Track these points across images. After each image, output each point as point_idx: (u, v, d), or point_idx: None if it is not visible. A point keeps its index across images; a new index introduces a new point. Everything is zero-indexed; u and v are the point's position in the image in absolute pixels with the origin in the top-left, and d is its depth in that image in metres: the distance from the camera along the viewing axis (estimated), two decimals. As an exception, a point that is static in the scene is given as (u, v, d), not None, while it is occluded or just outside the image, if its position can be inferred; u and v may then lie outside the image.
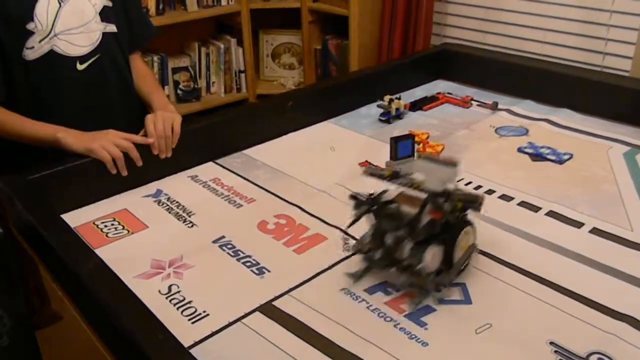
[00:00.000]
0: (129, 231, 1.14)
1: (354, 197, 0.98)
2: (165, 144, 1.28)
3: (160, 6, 2.52)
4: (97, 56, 1.35)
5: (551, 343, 0.85)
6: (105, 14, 1.34)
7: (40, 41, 1.26)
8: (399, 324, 0.89)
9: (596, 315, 0.90)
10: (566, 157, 1.37)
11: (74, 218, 1.16)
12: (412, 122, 1.61)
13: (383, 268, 0.96)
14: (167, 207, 1.22)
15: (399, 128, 1.56)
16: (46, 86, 1.31)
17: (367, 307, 0.92)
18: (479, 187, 1.27)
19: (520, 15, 2.21)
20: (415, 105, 1.69)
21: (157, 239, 1.12)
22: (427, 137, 1.48)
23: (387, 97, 1.61)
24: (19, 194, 1.09)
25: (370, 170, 1.05)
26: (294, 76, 2.85)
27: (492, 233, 1.11)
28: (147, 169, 1.28)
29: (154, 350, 0.71)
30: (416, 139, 1.38)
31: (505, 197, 1.23)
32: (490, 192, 1.25)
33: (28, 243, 1.10)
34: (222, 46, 2.66)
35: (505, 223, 1.13)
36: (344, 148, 1.47)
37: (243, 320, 0.90)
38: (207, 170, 1.37)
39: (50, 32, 1.27)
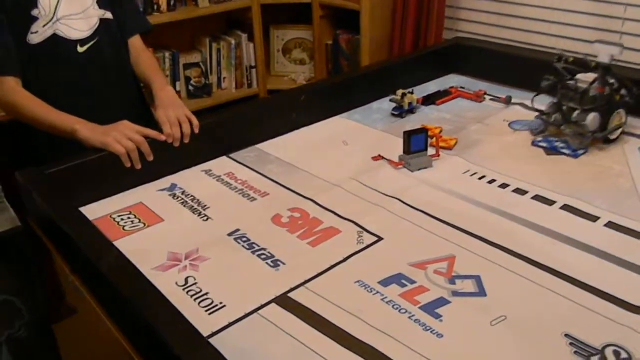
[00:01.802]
0: (145, 224, 1.15)
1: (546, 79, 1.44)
2: (183, 131, 1.31)
3: (172, 2, 2.53)
4: (95, 39, 1.43)
5: (566, 335, 0.85)
6: (101, 2, 1.43)
7: (43, 25, 1.35)
8: (413, 315, 0.89)
9: (611, 307, 0.90)
10: (581, 151, 1.37)
11: (91, 211, 1.17)
12: (425, 117, 1.61)
13: (558, 126, 1.41)
14: (182, 200, 1.23)
15: (411, 122, 1.56)
16: (49, 67, 1.39)
17: (382, 299, 0.93)
18: (492, 180, 1.27)
19: (534, 9, 2.20)
20: (428, 100, 1.69)
21: (172, 232, 1.13)
22: (440, 131, 1.48)
23: (399, 92, 1.61)
24: (37, 188, 1.10)
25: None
26: (304, 71, 2.85)
27: (506, 226, 1.11)
28: (162, 163, 1.29)
29: (174, 340, 0.72)
30: (429, 132, 1.38)
31: (519, 191, 1.23)
32: (504, 185, 1.25)
33: (47, 236, 1.12)
34: (233, 42, 2.67)
35: (520, 216, 1.13)
36: (357, 142, 1.47)
37: (259, 312, 0.91)
38: (221, 164, 1.38)
39: (52, 17, 1.36)
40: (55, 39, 1.37)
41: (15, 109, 1.33)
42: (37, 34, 1.35)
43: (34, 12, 1.34)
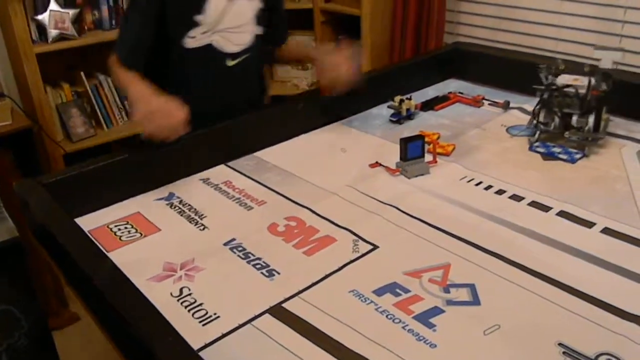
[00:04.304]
0: (141, 234, 1.16)
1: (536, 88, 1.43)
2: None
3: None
4: (246, 55, 1.48)
5: (560, 344, 0.84)
6: (258, 17, 1.47)
7: (202, 33, 1.39)
8: (407, 325, 0.89)
9: (606, 316, 0.89)
10: (578, 156, 1.37)
11: (88, 222, 1.18)
12: (424, 122, 1.61)
13: (558, 134, 1.42)
14: (179, 210, 1.24)
15: (409, 128, 1.56)
16: (196, 73, 1.44)
17: (376, 309, 0.93)
18: (489, 187, 1.27)
19: (534, 13, 2.20)
20: (427, 105, 1.69)
21: (169, 242, 1.13)
22: (438, 138, 1.48)
23: (397, 98, 1.61)
24: (34, 198, 1.11)
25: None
26: (307, 77, 2.86)
27: (502, 233, 1.11)
28: (160, 172, 1.29)
29: (164, 353, 0.72)
30: (426, 139, 1.38)
31: (515, 197, 1.22)
32: (500, 192, 1.25)
33: (43, 247, 1.13)
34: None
35: (516, 223, 1.13)
36: (355, 149, 1.47)
37: (253, 322, 0.91)
38: (219, 173, 1.39)
39: (213, 27, 1.39)
40: (209, 48, 1.41)
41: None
42: (194, 40, 1.38)
43: (197, 17, 1.36)
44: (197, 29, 1.37)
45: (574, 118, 1.40)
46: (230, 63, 1.46)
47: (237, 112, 1.44)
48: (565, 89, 1.39)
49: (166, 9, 1.35)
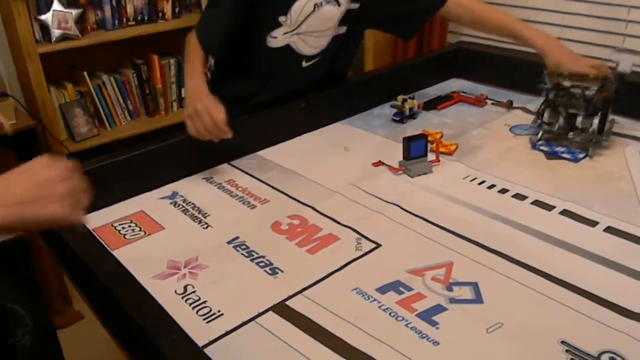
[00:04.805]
0: (145, 232, 1.16)
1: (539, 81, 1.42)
2: None
3: (177, 9, 2.55)
4: (319, 57, 1.49)
5: (562, 342, 0.85)
6: (344, 18, 1.45)
7: (284, 34, 1.40)
8: (410, 323, 0.90)
9: (609, 314, 0.90)
10: (581, 155, 1.37)
11: (93, 220, 1.18)
12: (426, 122, 1.61)
13: (562, 134, 1.40)
14: (183, 208, 1.24)
15: (412, 128, 1.56)
16: (270, 74, 1.47)
17: (379, 307, 0.93)
18: (492, 186, 1.27)
19: (537, 12, 2.20)
20: (430, 105, 1.69)
21: (173, 240, 1.14)
22: (441, 137, 1.48)
23: (400, 97, 1.61)
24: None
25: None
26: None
27: (505, 232, 1.11)
28: (163, 171, 1.30)
29: (168, 350, 0.72)
30: (429, 138, 1.39)
31: (518, 196, 1.22)
32: (504, 191, 1.25)
33: (48, 245, 1.13)
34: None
35: (519, 222, 1.13)
36: (358, 148, 1.48)
37: (257, 320, 0.91)
38: (222, 171, 1.39)
39: (295, 29, 1.40)
40: (287, 49, 1.43)
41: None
42: (276, 40, 1.41)
43: (281, 18, 1.37)
44: (279, 29, 1.39)
45: (579, 119, 1.39)
46: (305, 64, 1.48)
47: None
48: (572, 89, 1.39)
49: (254, 5, 1.37)
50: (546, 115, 1.44)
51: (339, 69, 1.62)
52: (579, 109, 1.39)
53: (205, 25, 1.44)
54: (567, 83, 1.39)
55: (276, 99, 1.49)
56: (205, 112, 1.25)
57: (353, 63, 1.71)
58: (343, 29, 1.48)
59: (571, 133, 1.40)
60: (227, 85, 1.53)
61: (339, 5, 1.42)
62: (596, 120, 1.37)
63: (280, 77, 1.50)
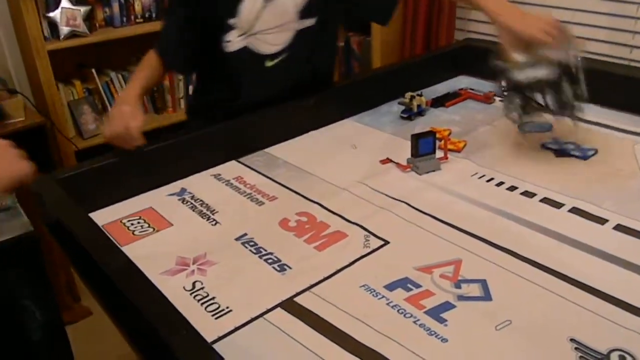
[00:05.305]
0: (154, 229, 1.17)
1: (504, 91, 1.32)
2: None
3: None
4: (285, 54, 1.42)
5: (572, 340, 0.84)
6: (307, 10, 1.38)
7: (238, 36, 1.36)
8: (418, 320, 0.90)
9: (618, 312, 0.89)
10: (591, 152, 1.36)
11: (102, 216, 1.19)
12: (434, 119, 1.61)
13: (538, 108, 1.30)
14: (191, 205, 1.24)
15: (420, 125, 1.56)
16: (237, 76, 1.43)
17: (387, 304, 0.93)
18: (501, 183, 1.26)
19: (546, 9, 2.19)
20: (438, 102, 1.69)
21: (181, 237, 1.14)
22: (449, 134, 1.48)
23: (408, 94, 1.61)
24: (48, 194, 1.12)
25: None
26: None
27: (513, 229, 1.11)
28: (172, 168, 1.30)
29: (177, 346, 0.73)
30: (438, 135, 1.38)
31: (527, 194, 1.22)
32: (512, 188, 1.24)
33: (57, 241, 1.14)
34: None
35: (527, 219, 1.13)
36: (366, 145, 1.47)
37: (265, 316, 0.92)
38: (230, 168, 1.39)
39: (249, 30, 1.35)
40: (246, 51, 1.38)
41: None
42: (231, 44, 1.36)
43: (232, 21, 1.33)
44: (232, 32, 1.35)
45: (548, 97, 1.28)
46: (269, 64, 1.42)
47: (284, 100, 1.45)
48: (527, 93, 1.29)
49: (203, 11, 1.34)
50: (516, 114, 1.34)
51: (320, 71, 1.56)
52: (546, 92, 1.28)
53: (162, 40, 1.44)
54: (520, 76, 1.28)
55: (259, 103, 1.44)
56: (118, 116, 1.24)
57: (334, 63, 1.65)
58: (309, 22, 1.40)
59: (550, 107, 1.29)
60: (210, 89, 1.53)
61: None
62: (567, 88, 1.27)
63: (246, 79, 1.45)
